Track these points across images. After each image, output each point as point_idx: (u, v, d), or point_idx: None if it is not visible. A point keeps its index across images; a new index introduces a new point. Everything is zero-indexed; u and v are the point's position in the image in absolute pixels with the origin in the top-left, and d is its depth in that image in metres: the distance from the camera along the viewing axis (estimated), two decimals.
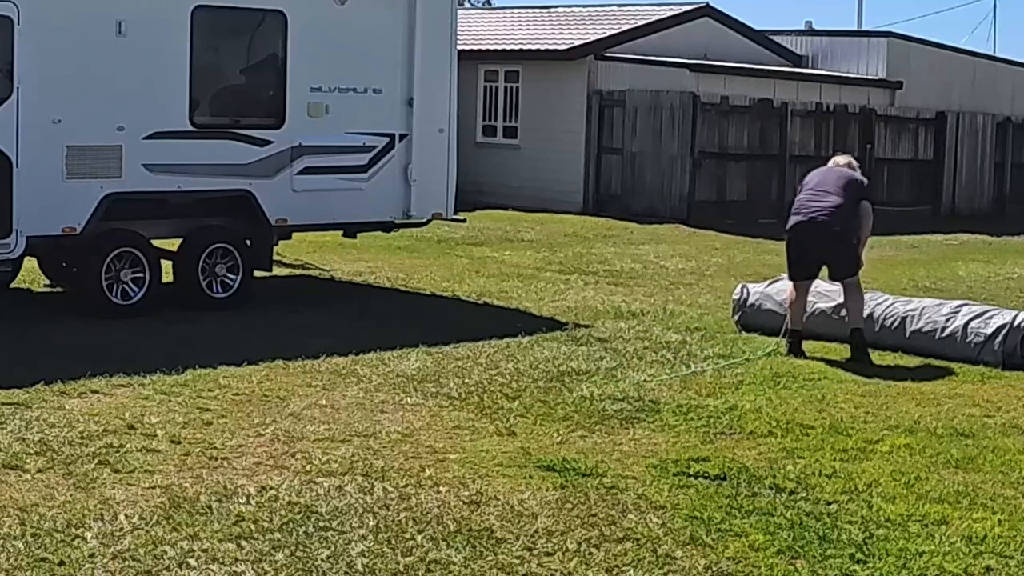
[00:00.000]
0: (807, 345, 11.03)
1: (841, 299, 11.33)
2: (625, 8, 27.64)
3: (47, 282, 13.09)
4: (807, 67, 27.90)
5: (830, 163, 11.62)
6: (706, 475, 7.28)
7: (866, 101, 26.64)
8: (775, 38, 28.17)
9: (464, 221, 15.49)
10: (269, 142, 12.57)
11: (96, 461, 7.18)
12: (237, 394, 8.86)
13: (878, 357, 10.86)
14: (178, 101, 12.04)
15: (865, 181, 11.51)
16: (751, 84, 24.91)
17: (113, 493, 6.66)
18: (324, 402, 8.76)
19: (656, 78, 24.15)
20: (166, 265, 12.20)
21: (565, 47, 25.04)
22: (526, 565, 5.90)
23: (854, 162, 11.64)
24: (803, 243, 11.03)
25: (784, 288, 11.87)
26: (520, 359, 10.33)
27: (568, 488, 6.99)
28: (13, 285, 12.89)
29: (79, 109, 11.46)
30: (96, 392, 8.76)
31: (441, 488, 6.93)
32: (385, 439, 7.87)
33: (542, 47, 25.49)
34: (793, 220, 11.15)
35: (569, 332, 11.64)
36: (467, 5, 48.07)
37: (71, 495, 6.60)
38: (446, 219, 14.19)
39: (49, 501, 6.50)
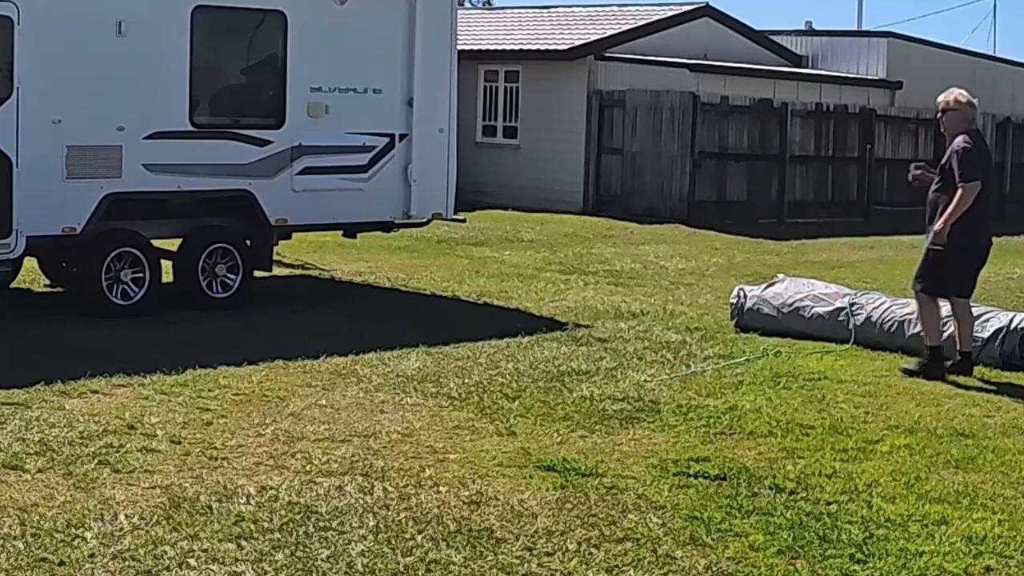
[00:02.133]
0: (808, 346, 11.03)
1: (840, 303, 11.38)
2: (625, 8, 27.65)
3: (47, 282, 13.09)
4: (807, 67, 27.91)
5: (968, 112, 9.99)
6: (706, 475, 7.27)
7: (866, 101, 26.64)
8: (775, 38, 28.18)
9: (464, 221, 15.50)
10: (269, 142, 12.57)
11: (96, 461, 7.17)
12: (237, 394, 8.86)
13: (877, 357, 10.87)
14: (178, 101, 12.03)
15: None
16: (751, 84, 24.91)
17: (113, 493, 6.65)
18: (324, 402, 8.76)
19: (656, 78, 24.15)
20: (166, 265, 12.20)
21: (565, 47, 25.04)
22: (526, 565, 5.90)
23: (962, 95, 10.13)
24: (984, 260, 10.26)
25: (780, 292, 11.88)
26: (520, 359, 10.33)
27: (568, 488, 6.99)
28: (13, 285, 12.88)
29: (79, 109, 11.46)
30: (96, 392, 8.75)
31: (441, 488, 6.92)
32: (385, 439, 7.87)
33: (542, 47, 25.49)
34: (983, 236, 10.12)
35: (569, 332, 11.64)
36: (467, 5, 48.07)
37: (71, 495, 6.60)
38: (446, 219, 14.19)
39: (49, 501, 6.49)
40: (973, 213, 9.88)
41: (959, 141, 9.97)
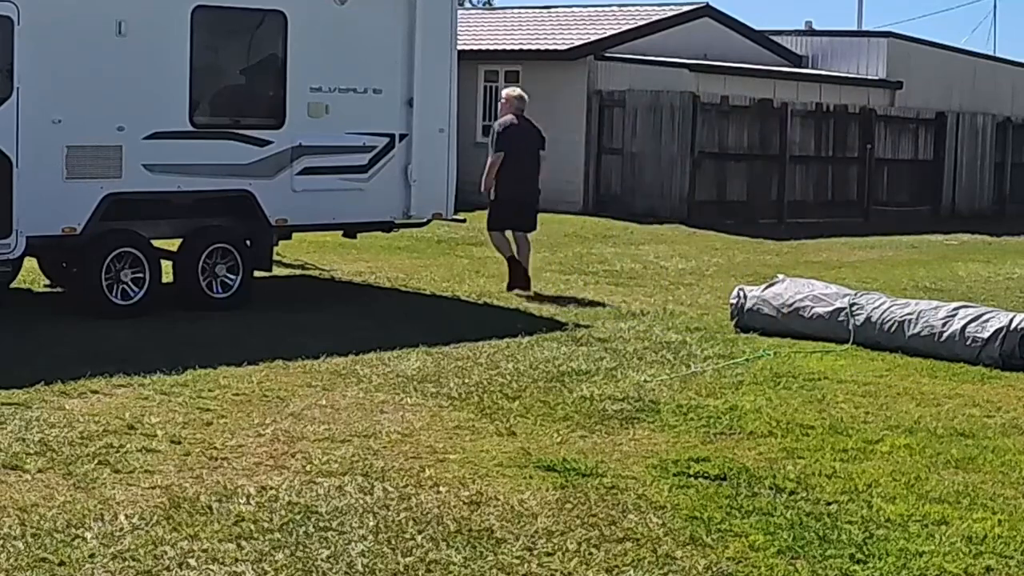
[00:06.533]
0: (808, 345, 11.03)
1: (840, 303, 11.41)
2: (625, 8, 27.65)
3: (47, 282, 13.09)
4: (807, 67, 27.91)
5: (515, 104, 14.00)
6: (706, 475, 7.27)
7: (866, 101, 26.64)
8: (775, 38, 28.18)
9: (464, 221, 15.48)
10: (269, 142, 12.57)
11: (96, 461, 7.17)
12: (237, 394, 8.86)
13: (877, 357, 10.88)
14: (178, 101, 12.03)
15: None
16: (751, 84, 24.91)
17: (113, 493, 6.65)
18: (324, 402, 8.76)
19: (656, 78, 24.14)
20: (166, 265, 12.20)
21: (565, 47, 25.03)
22: (526, 565, 5.90)
23: (515, 91, 14.14)
24: (526, 206, 14.11)
25: (780, 292, 11.90)
26: (520, 359, 10.33)
27: (568, 488, 6.99)
28: (13, 285, 12.88)
29: (79, 109, 11.45)
30: (96, 392, 8.75)
31: (441, 488, 6.92)
32: (385, 439, 7.87)
33: (542, 47, 25.49)
34: (519, 189, 13.92)
35: (569, 332, 11.64)
36: (467, 5, 48.08)
37: (71, 495, 6.60)
38: (446, 219, 14.20)
39: (49, 501, 6.49)
40: (513, 174, 13.84)
41: (496, 124, 13.96)
